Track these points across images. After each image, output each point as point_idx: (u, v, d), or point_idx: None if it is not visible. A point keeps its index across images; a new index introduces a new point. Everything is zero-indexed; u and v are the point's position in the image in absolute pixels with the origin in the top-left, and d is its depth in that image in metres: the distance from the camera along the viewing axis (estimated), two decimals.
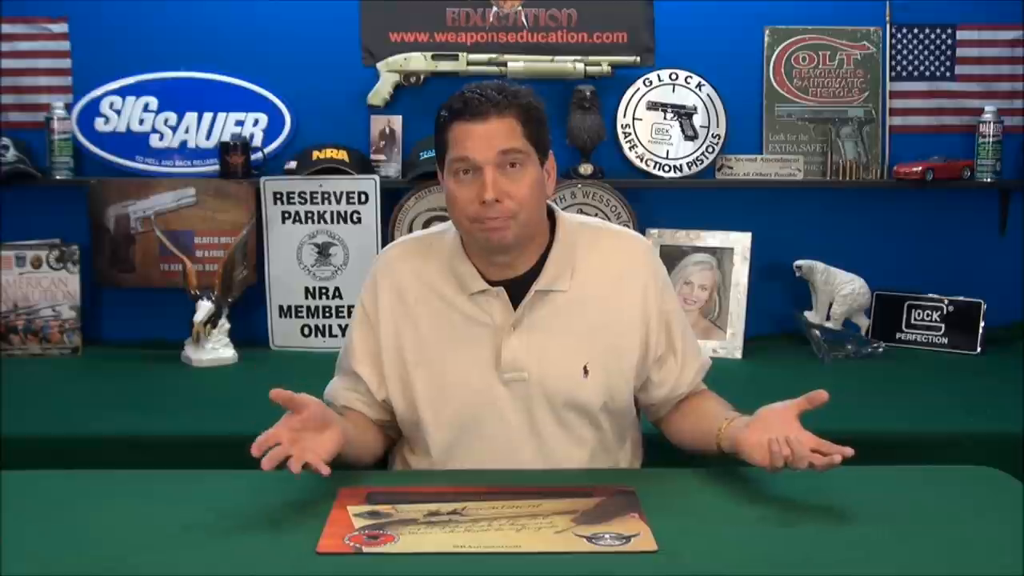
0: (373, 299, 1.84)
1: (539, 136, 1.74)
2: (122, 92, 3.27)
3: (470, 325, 1.78)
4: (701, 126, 3.30)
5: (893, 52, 3.34)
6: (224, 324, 3.07)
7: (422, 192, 3.21)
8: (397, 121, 3.28)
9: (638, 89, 3.30)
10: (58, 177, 3.23)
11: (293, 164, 3.22)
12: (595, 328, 1.79)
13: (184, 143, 3.29)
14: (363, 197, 3.17)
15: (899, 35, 3.33)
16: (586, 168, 3.22)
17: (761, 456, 1.61)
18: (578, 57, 3.23)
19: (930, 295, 3.25)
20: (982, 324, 3.16)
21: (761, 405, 1.80)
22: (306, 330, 3.22)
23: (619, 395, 1.82)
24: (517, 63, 3.21)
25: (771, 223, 3.29)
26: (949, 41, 3.33)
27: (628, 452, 1.90)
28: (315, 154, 3.18)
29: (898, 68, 3.34)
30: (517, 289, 1.78)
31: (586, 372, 1.79)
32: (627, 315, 1.81)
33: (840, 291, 3.23)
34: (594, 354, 1.79)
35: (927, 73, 3.34)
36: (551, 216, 1.84)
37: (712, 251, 3.21)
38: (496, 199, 1.68)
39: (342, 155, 3.17)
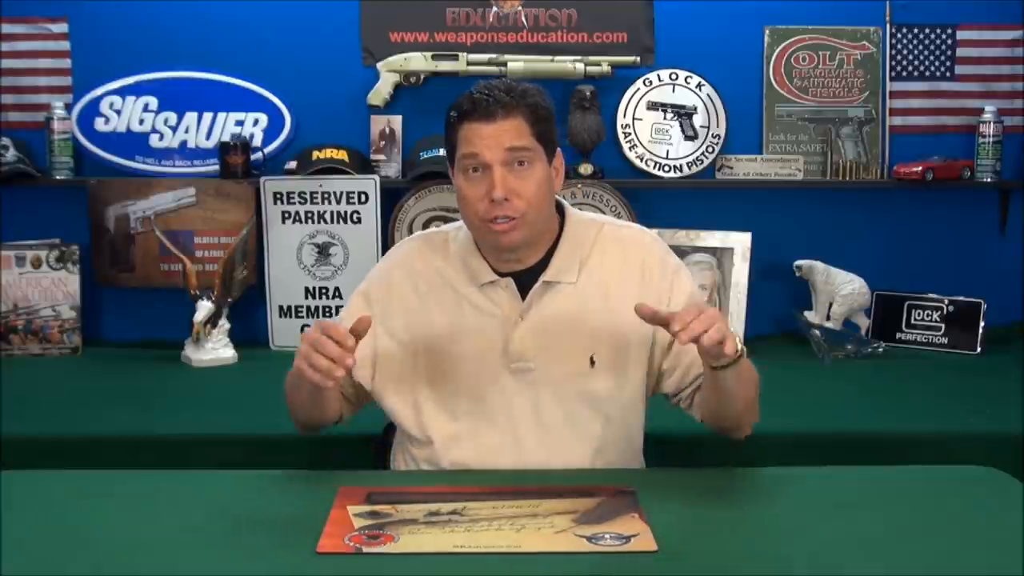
0: (385, 288, 1.85)
1: (547, 135, 1.77)
2: (122, 92, 3.27)
3: (480, 316, 1.80)
4: (701, 126, 3.30)
5: (893, 52, 3.34)
6: (224, 324, 3.07)
7: (422, 192, 3.21)
8: (397, 121, 3.28)
9: (638, 89, 3.30)
10: (58, 177, 3.23)
11: (293, 164, 3.22)
12: (602, 320, 1.80)
13: (184, 143, 3.30)
14: (363, 197, 3.17)
15: (899, 35, 3.33)
16: (586, 168, 3.22)
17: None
18: (578, 57, 3.23)
19: (930, 295, 3.25)
20: (982, 324, 3.16)
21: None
22: (306, 330, 3.21)
23: (627, 388, 1.82)
24: (517, 63, 3.21)
25: (771, 223, 3.29)
26: (949, 41, 3.33)
27: (633, 453, 1.89)
28: (315, 154, 3.18)
29: (898, 68, 3.34)
30: (526, 280, 1.81)
31: (592, 363, 1.79)
32: (632, 307, 1.81)
33: (840, 291, 3.23)
34: (601, 345, 1.80)
35: (927, 73, 3.35)
36: (560, 210, 1.86)
37: (712, 251, 3.21)
38: (505, 197, 1.70)
39: (342, 155, 3.17)
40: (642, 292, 1.80)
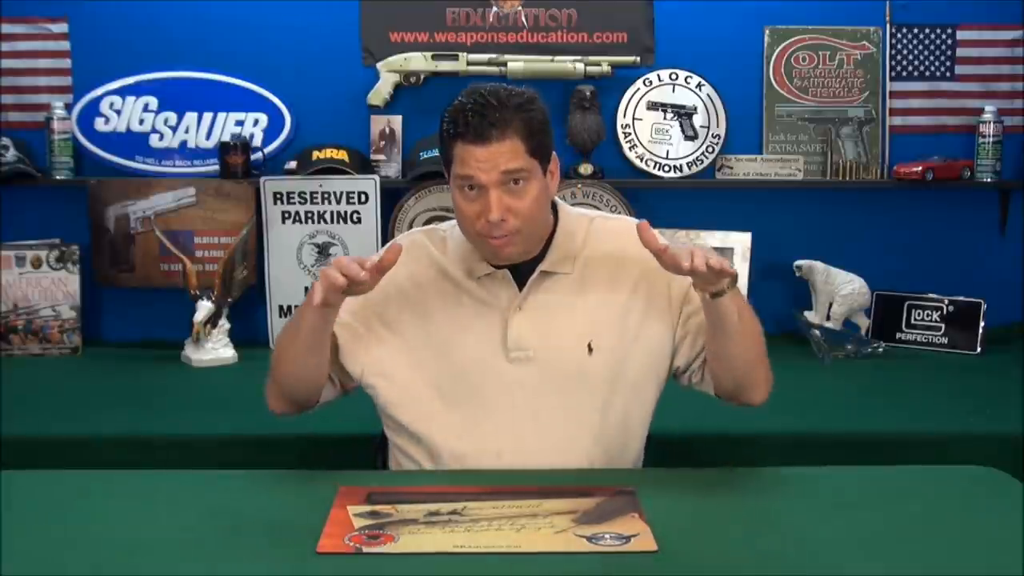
0: (383, 278, 1.83)
1: (542, 147, 1.76)
2: (122, 92, 3.27)
3: (478, 307, 1.82)
4: (701, 126, 3.30)
5: (893, 52, 3.34)
6: (224, 324, 3.07)
7: (422, 192, 3.21)
8: (397, 121, 3.28)
9: (638, 89, 3.30)
10: (58, 177, 3.23)
11: (293, 164, 3.22)
12: (600, 307, 1.82)
13: (184, 143, 3.30)
14: (363, 197, 3.17)
15: (899, 35, 3.33)
16: (586, 168, 3.22)
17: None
18: (578, 57, 3.23)
19: (930, 295, 3.25)
20: (982, 324, 3.16)
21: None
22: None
23: (627, 375, 1.82)
24: (517, 63, 3.21)
25: (771, 223, 3.29)
26: (949, 41, 3.33)
27: (633, 451, 1.89)
28: (315, 154, 3.18)
29: (898, 68, 3.34)
30: (523, 272, 1.82)
31: (591, 349, 1.80)
32: (633, 295, 1.82)
33: (840, 291, 3.23)
34: (599, 332, 1.81)
35: (927, 73, 3.35)
36: (553, 206, 1.87)
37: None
38: (501, 219, 1.72)
39: (342, 155, 3.17)
40: (638, 278, 1.82)
